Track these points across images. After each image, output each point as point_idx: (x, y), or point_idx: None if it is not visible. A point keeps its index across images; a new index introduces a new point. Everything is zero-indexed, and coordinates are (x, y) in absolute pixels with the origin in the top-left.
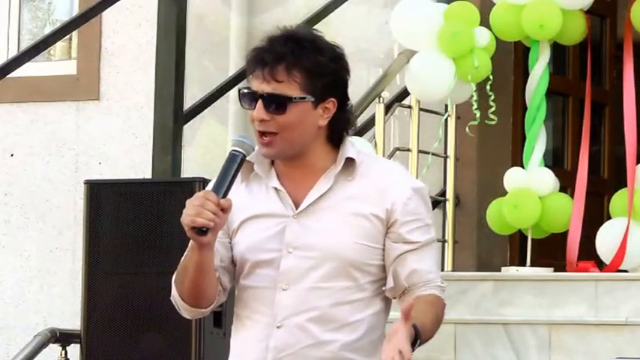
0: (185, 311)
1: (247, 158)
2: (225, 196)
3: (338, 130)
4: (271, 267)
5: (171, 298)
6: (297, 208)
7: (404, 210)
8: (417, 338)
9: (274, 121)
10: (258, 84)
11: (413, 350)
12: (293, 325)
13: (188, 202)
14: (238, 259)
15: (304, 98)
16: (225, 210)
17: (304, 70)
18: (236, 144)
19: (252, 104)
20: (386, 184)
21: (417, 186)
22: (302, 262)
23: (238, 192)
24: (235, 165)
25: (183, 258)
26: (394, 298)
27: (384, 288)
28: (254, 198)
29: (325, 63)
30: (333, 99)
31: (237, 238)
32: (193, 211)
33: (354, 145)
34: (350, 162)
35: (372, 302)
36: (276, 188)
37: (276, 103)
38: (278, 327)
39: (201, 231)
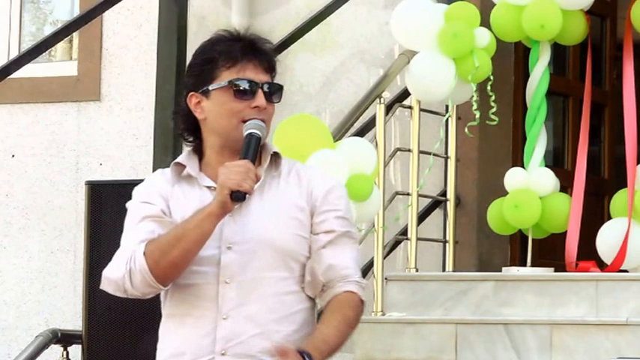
0: (142, 286)
1: (178, 160)
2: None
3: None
4: (211, 264)
5: (127, 272)
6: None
7: (324, 200)
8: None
9: (267, 110)
10: (254, 74)
11: None
12: (239, 316)
13: (227, 167)
14: None
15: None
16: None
17: (274, 67)
18: (253, 127)
19: (251, 94)
20: (309, 177)
21: (336, 183)
22: (242, 255)
23: (173, 192)
24: (256, 145)
25: (175, 228)
26: (315, 296)
27: (302, 285)
28: (189, 200)
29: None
30: None
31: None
32: (239, 176)
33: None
34: (275, 157)
35: (305, 296)
36: (209, 187)
37: (277, 92)
38: (224, 318)
39: (239, 197)
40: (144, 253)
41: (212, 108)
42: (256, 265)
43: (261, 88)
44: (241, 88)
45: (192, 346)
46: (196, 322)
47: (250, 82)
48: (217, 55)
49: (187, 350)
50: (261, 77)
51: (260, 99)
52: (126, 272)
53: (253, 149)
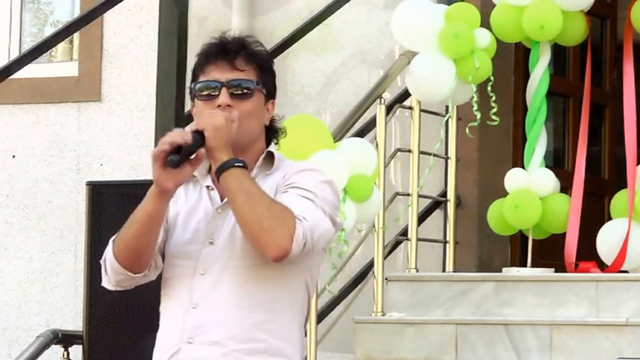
0: (113, 274)
1: None
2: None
3: (274, 133)
4: (193, 258)
5: (101, 261)
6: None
7: (288, 179)
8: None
9: (236, 109)
10: (218, 73)
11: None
12: (208, 304)
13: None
14: (167, 255)
15: (262, 88)
16: (198, 159)
17: (258, 65)
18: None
19: (214, 93)
20: (287, 168)
21: (311, 167)
22: (220, 249)
23: (188, 189)
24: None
25: (133, 213)
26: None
27: (287, 273)
28: (188, 198)
29: (270, 64)
30: (273, 101)
31: (171, 231)
32: (167, 138)
33: (281, 158)
34: (270, 157)
35: (288, 284)
36: (208, 187)
37: (243, 89)
38: (194, 307)
39: (171, 162)
40: (112, 240)
41: (196, 113)
42: (229, 254)
43: (225, 86)
44: (201, 92)
45: (166, 338)
46: (171, 314)
47: (208, 82)
48: (196, 61)
49: (163, 342)
50: (227, 76)
51: (221, 97)
52: (102, 262)
53: (185, 147)
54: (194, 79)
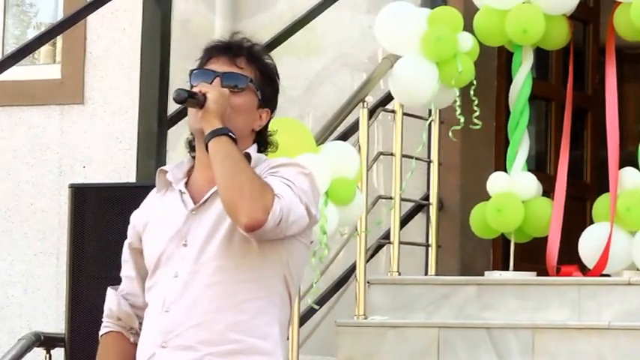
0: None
1: (162, 167)
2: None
3: (263, 144)
4: (167, 262)
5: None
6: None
7: (271, 168)
8: (219, 133)
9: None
10: (216, 66)
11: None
12: (179, 308)
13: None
14: (146, 262)
15: (257, 90)
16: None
17: (259, 70)
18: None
19: (207, 81)
20: (265, 165)
21: (293, 161)
22: (192, 251)
23: (154, 200)
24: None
25: None
26: None
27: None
28: (164, 206)
29: (273, 74)
30: (268, 110)
31: (143, 242)
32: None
33: (259, 155)
34: (247, 158)
35: (264, 283)
36: (180, 191)
37: (236, 82)
38: (166, 311)
39: (179, 95)
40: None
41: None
42: (202, 256)
43: (219, 76)
44: (196, 79)
45: (143, 342)
46: (149, 318)
47: (205, 70)
48: (202, 55)
49: (141, 346)
50: (224, 69)
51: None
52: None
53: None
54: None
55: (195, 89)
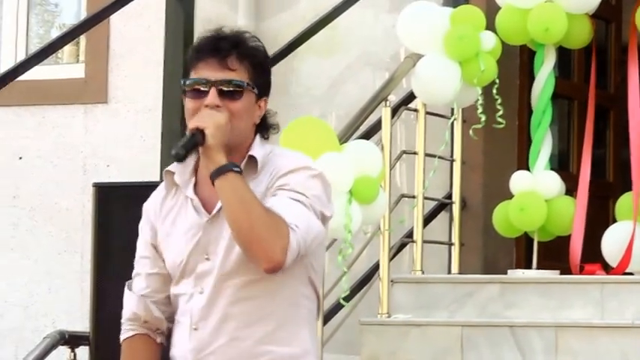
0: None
1: (169, 168)
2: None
3: (265, 130)
4: (192, 275)
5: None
6: (210, 214)
7: (279, 180)
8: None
9: (225, 109)
10: (208, 72)
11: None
12: (206, 326)
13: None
14: (168, 269)
15: (253, 88)
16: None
17: (251, 63)
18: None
19: (204, 89)
20: (275, 166)
21: (301, 165)
22: (216, 265)
23: (165, 202)
24: (189, 139)
25: None
26: None
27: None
28: (176, 210)
29: (265, 61)
30: (265, 98)
31: (162, 247)
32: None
33: (264, 146)
34: (253, 160)
35: (289, 290)
36: (190, 199)
37: (233, 89)
38: (195, 329)
39: (179, 155)
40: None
41: (185, 109)
42: (226, 271)
43: (214, 85)
44: (189, 87)
45: (176, 353)
46: (178, 331)
47: (197, 80)
48: (189, 55)
49: (176, 355)
50: (217, 75)
51: (210, 97)
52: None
53: (185, 141)
54: (185, 74)
55: (190, 125)
